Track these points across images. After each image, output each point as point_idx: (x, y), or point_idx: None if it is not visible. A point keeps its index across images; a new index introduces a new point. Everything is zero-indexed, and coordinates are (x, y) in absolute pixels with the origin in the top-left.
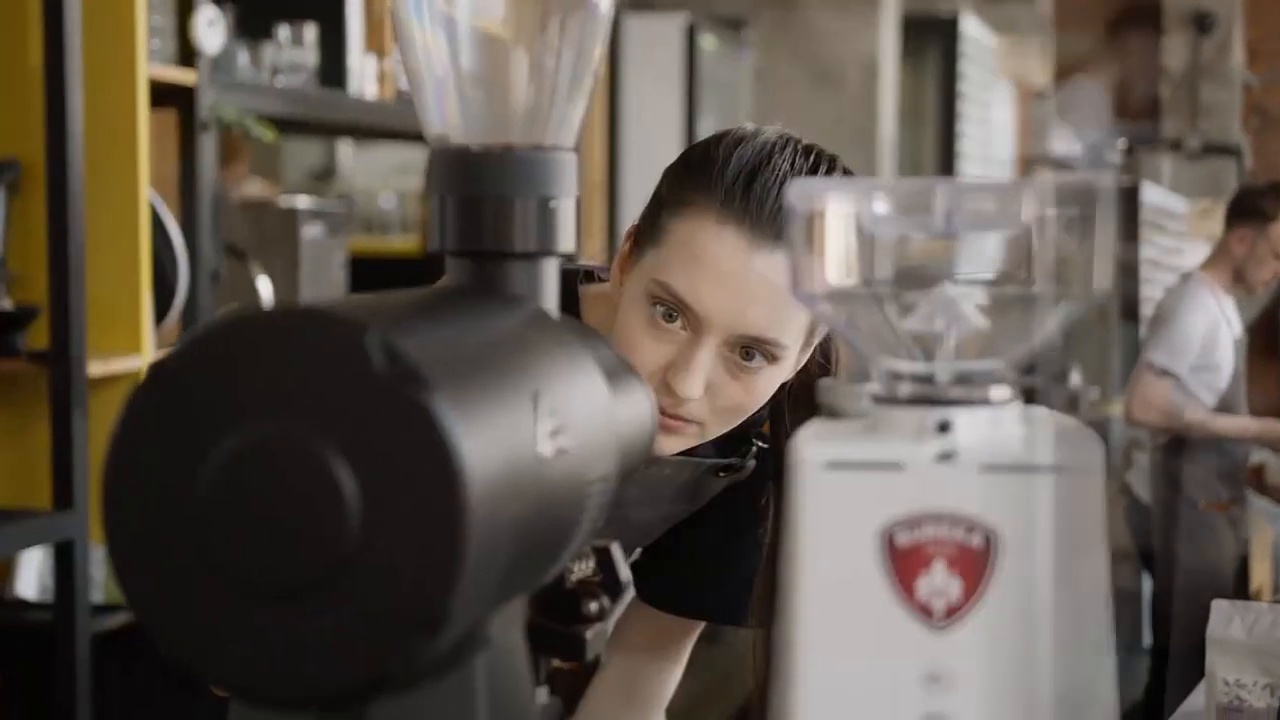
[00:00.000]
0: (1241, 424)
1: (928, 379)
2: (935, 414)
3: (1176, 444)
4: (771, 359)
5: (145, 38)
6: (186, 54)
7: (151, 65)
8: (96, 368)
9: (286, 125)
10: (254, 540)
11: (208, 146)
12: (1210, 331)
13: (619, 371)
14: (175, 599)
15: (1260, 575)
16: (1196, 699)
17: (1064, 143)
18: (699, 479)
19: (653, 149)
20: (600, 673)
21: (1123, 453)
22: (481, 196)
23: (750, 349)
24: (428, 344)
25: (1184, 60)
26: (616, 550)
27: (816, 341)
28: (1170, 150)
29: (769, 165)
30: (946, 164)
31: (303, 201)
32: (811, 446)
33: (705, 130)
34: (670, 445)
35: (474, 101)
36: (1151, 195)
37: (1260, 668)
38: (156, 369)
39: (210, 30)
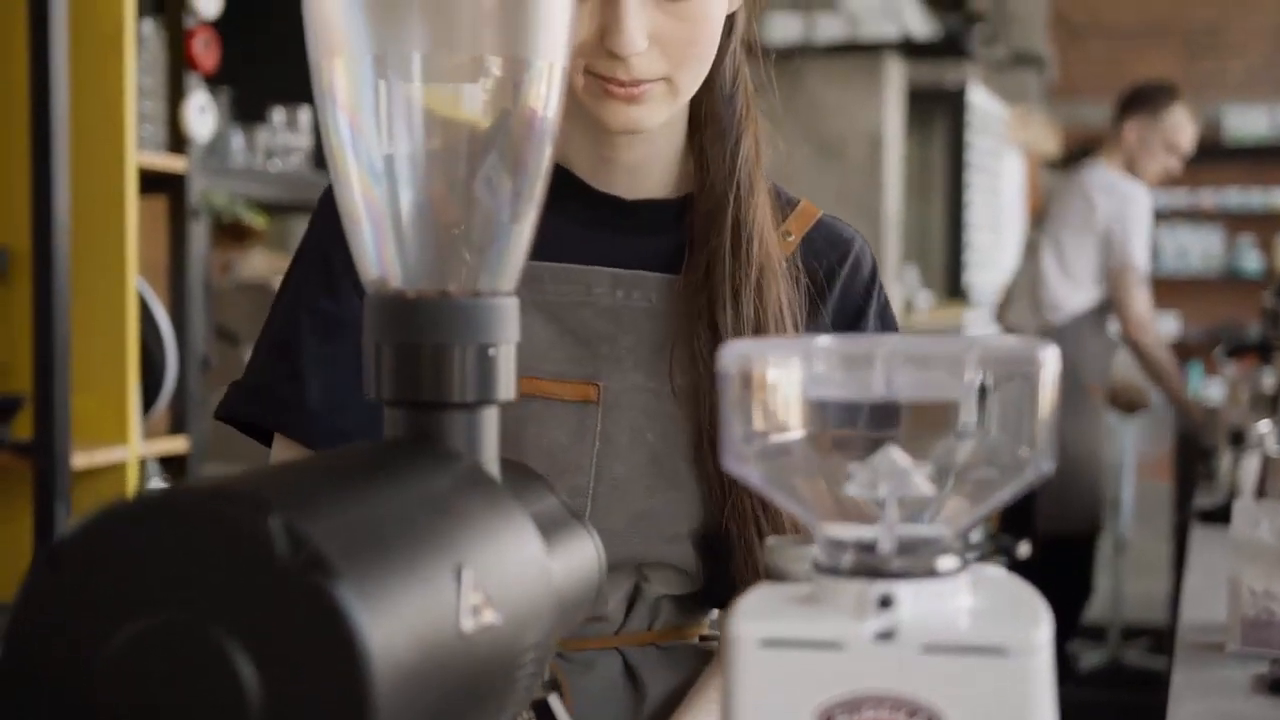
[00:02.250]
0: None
1: (870, 547)
2: (877, 587)
3: (1073, 325)
4: None
5: (135, 125)
6: (178, 140)
7: (142, 153)
8: (81, 459)
9: (281, 208)
10: None
11: (198, 233)
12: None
13: (561, 523)
14: None
15: None
16: (1215, 609)
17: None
18: None
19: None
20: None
21: None
22: (418, 344)
23: None
24: (338, 523)
25: None
26: (555, 702)
27: None
28: (982, 50)
29: None
30: (954, 233)
31: None
32: (747, 623)
33: None
34: (646, 115)
35: (411, 246)
36: (977, 98)
37: None
38: (57, 549)
39: (201, 117)
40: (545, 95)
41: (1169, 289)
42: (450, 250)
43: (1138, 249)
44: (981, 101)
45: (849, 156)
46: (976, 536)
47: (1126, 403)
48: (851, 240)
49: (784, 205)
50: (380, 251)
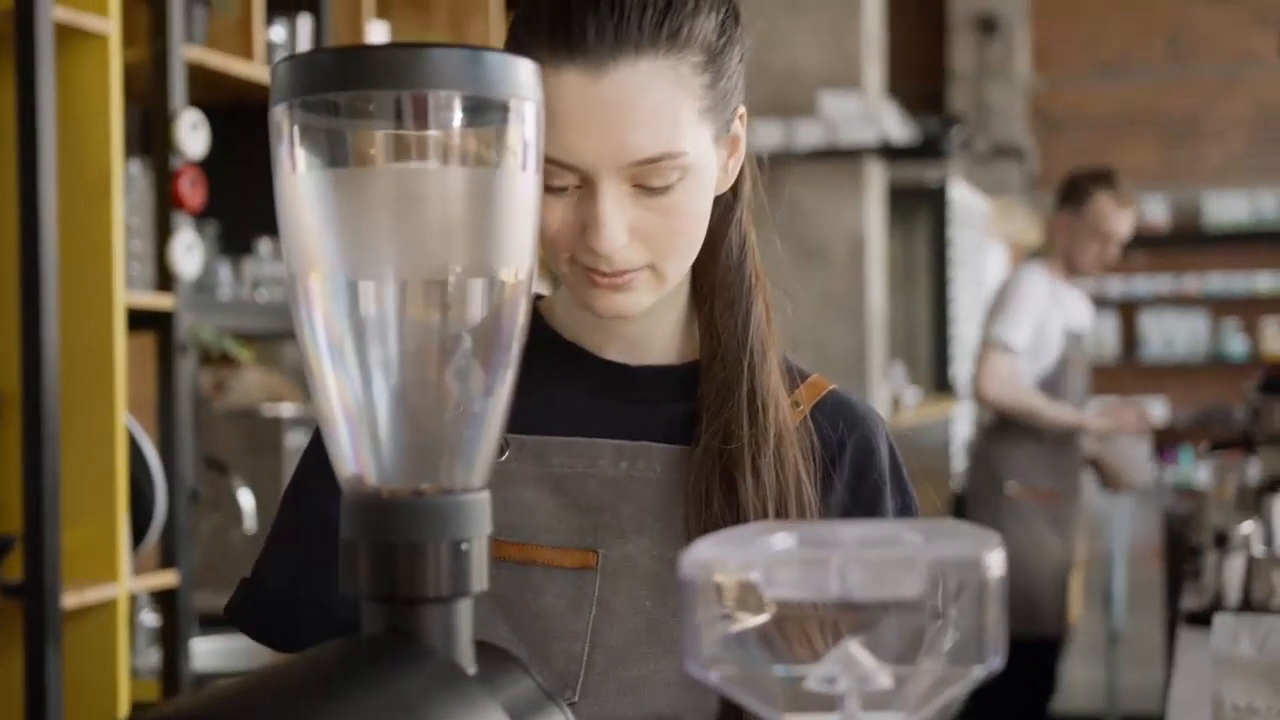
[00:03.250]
0: (1065, 412)
1: None
2: None
3: (999, 427)
4: (680, 172)
5: (123, 264)
6: (165, 277)
7: (130, 292)
8: (72, 598)
9: (270, 336)
10: None
11: (185, 368)
12: (1043, 313)
13: (536, 706)
14: None
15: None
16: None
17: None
18: None
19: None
20: None
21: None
22: (393, 542)
23: (650, 173)
24: None
25: (971, 62)
26: None
27: (735, 120)
28: (961, 151)
29: None
30: (939, 327)
31: (287, 410)
32: None
33: None
34: (632, 302)
35: (385, 446)
36: (958, 193)
37: (1275, 689)
38: None
39: (188, 255)
40: (513, 301)
41: (1155, 374)
42: (423, 449)
43: (1007, 324)
44: (962, 197)
45: (832, 258)
46: None
47: (1109, 483)
48: (865, 416)
49: (795, 376)
50: (356, 451)
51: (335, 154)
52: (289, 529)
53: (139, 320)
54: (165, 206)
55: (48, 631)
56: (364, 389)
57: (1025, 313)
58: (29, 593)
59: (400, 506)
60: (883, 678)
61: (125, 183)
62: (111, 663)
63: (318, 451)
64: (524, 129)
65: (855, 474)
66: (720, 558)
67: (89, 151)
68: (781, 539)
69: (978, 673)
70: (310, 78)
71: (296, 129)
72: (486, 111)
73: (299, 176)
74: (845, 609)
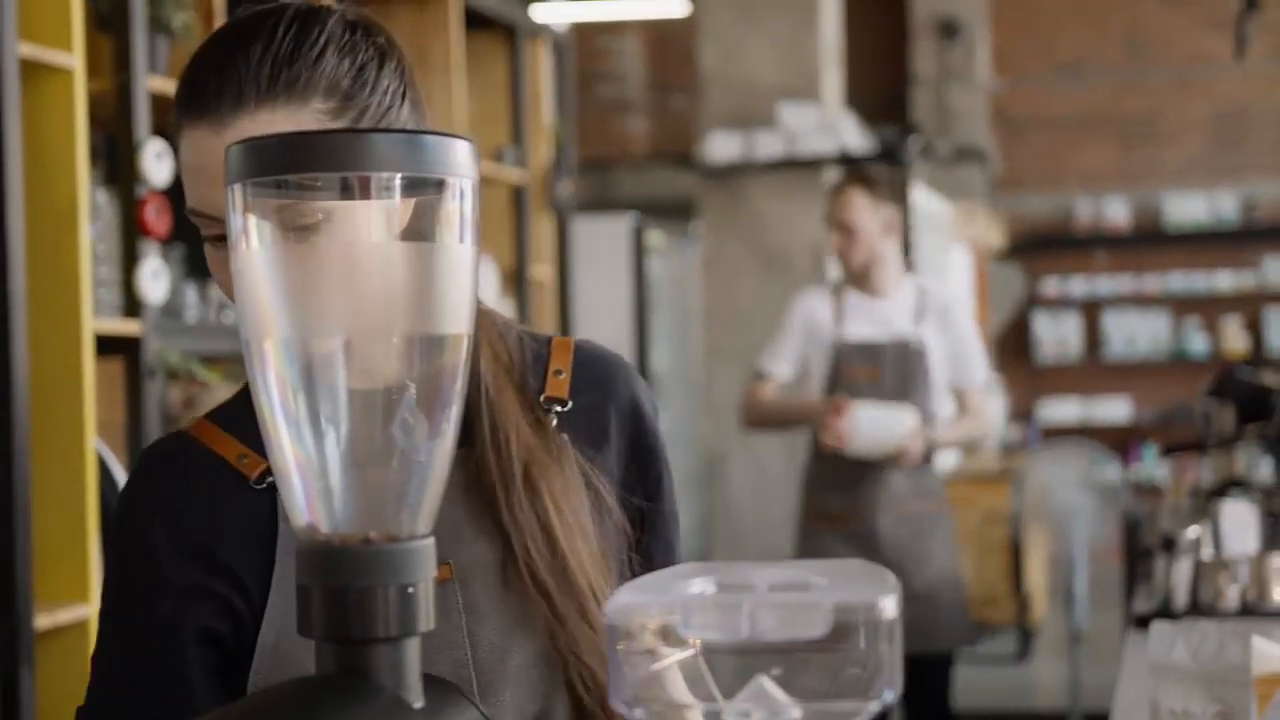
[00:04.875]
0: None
1: None
2: None
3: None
4: (323, 213)
5: (91, 291)
6: (133, 303)
7: (98, 318)
8: (44, 620)
9: (236, 358)
10: None
11: (153, 392)
12: (806, 331)
13: None
14: None
15: None
16: None
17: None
18: None
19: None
20: None
21: None
22: (344, 587)
23: (291, 218)
24: None
25: (932, 66)
26: None
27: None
28: (920, 158)
29: (228, 36)
30: None
31: None
32: None
33: (656, 322)
34: None
35: (336, 496)
36: (920, 198)
37: (1210, 695)
38: None
39: (155, 281)
40: (454, 358)
41: (1118, 373)
42: (371, 498)
43: (767, 349)
44: (925, 202)
45: (793, 268)
46: None
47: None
48: (619, 366)
49: (540, 346)
50: (308, 502)
51: (285, 230)
52: (126, 669)
53: (107, 345)
54: (131, 234)
55: (20, 652)
56: (315, 444)
57: (786, 337)
58: (1, 614)
59: (350, 553)
60: (793, 711)
61: (92, 211)
62: (84, 683)
63: (141, 541)
64: (461, 204)
65: (621, 427)
66: (641, 604)
67: (56, 181)
68: (699, 584)
69: (874, 706)
70: (262, 160)
71: (249, 207)
72: (425, 189)
73: (252, 251)
74: (758, 648)
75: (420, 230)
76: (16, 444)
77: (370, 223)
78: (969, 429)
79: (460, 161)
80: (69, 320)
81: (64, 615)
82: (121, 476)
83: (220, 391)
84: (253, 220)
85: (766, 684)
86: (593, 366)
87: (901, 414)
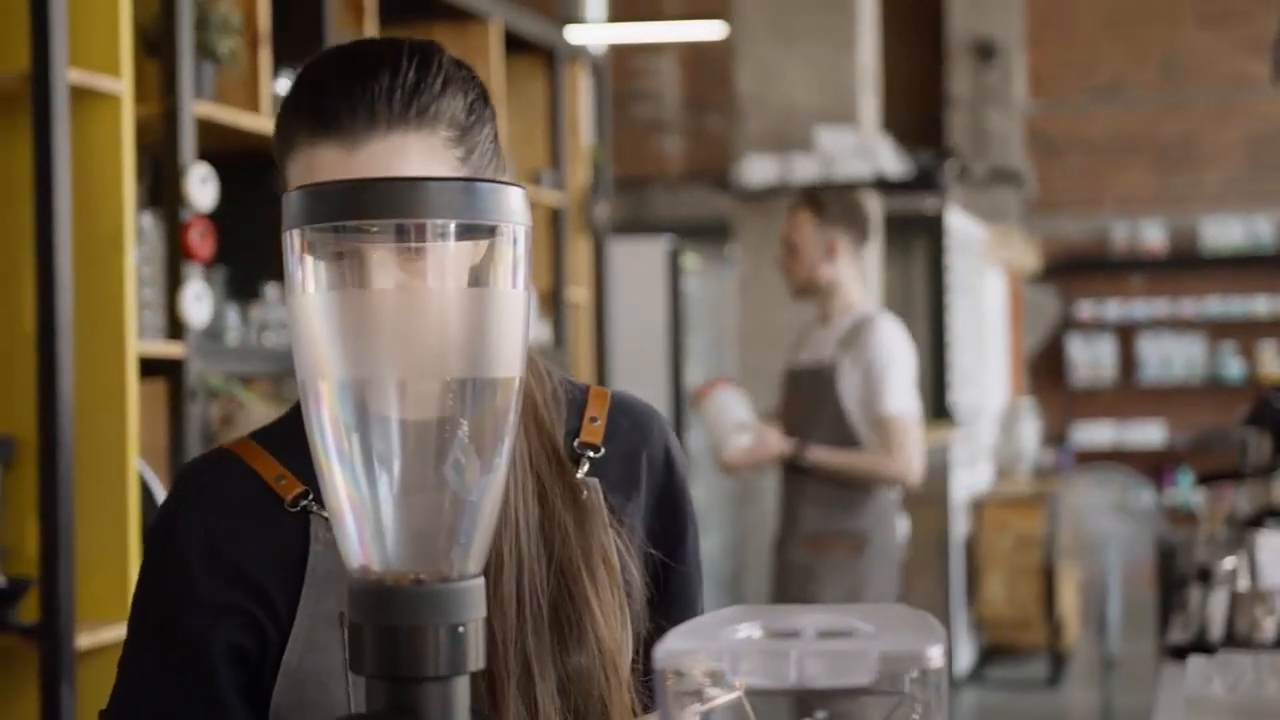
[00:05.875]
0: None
1: None
2: None
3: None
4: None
5: (135, 314)
6: (176, 326)
7: (142, 341)
8: (86, 639)
9: (278, 377)
10: None
11: (195, 414)
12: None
13: None
14: None
15: None
16: None
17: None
18: None
19: (638, 367)
20: None
21: None
22: (396, 626)
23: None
24: None
25: (968, 88)
26: None
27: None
28: (956, 182)
29: (349, 60)
30: (938, 355)
31: None
32: None
33: (691, 344)
34: None
35: (389, 537)
36: (955, 221)
37: None
38: None
39: (198, 304)
40: (505, 399)
41: (1153, 397)
42: (423, 538)
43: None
44: (960, 224)
45: None
46: None
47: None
48: (651, 418)
49: (578, 393)
50: (362, 543)
51: (342, 275)
52: (153, 679)
53: (150, 368)
54: (175, 257)
55: (62, 672)
56: (369, 484)
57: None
58: (44, 634)
59: (402, 593)
60: None
61: (137, 235)
62: None
63: (175, 554)
64: (514, 249)
65: (652, 478)
66: (689, 650)
67: (103, 206)
68: (745, 629)
69: None
70: (320, 206)
71: (307, 251)
72: (479, 235)
73: (309, 295)
74: (804, 692)
75: (474, 275)
76: (61, 464)
77: (425, 268)
78: (858, 460)
79: (513, 208)
80: (114, 342)
81: (106, 634)
82: (162, 497)
83: (257, 410)
84: (309, 264)
85: None
86: (627, 416)
87: (743, 420)
